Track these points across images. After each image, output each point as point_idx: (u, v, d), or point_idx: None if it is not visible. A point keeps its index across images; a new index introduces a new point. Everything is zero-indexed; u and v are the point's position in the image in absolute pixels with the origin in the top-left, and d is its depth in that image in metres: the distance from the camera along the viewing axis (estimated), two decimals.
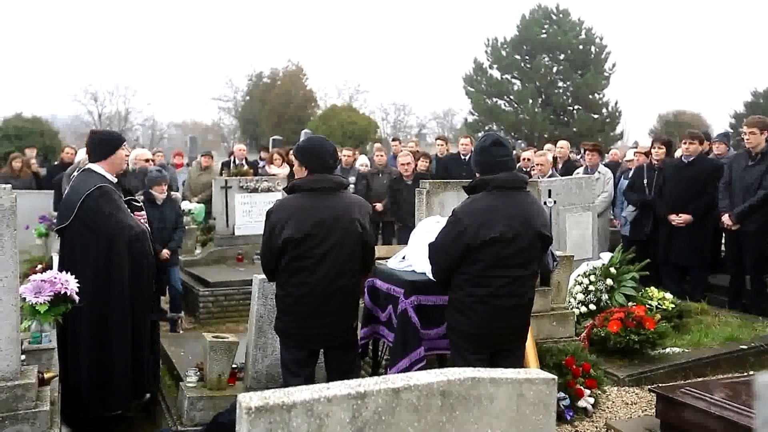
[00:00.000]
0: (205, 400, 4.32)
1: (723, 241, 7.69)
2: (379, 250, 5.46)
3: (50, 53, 69.35)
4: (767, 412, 0.83)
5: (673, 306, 6.31)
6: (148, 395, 4.87)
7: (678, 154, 8.31)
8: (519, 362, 3.79)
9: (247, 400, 1.84)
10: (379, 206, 9.74)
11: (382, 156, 10.88)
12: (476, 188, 3.66)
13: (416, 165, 9.61)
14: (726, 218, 6.96)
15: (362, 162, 11.36)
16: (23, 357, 3.64)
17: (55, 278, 3.83)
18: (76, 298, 3.89)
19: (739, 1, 69.60)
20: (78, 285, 3.94)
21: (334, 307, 3.79)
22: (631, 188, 8.30)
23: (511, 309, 3.61)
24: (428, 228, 4.23)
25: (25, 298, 3.72)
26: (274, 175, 10.57)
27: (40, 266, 6.96)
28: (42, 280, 3.81)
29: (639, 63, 74.33)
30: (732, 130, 18.89)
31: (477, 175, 3.73)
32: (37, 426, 3.38)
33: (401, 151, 11.14)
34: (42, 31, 69.04)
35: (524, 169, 9.09)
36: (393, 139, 16.56)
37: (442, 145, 11.62)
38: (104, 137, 4.87)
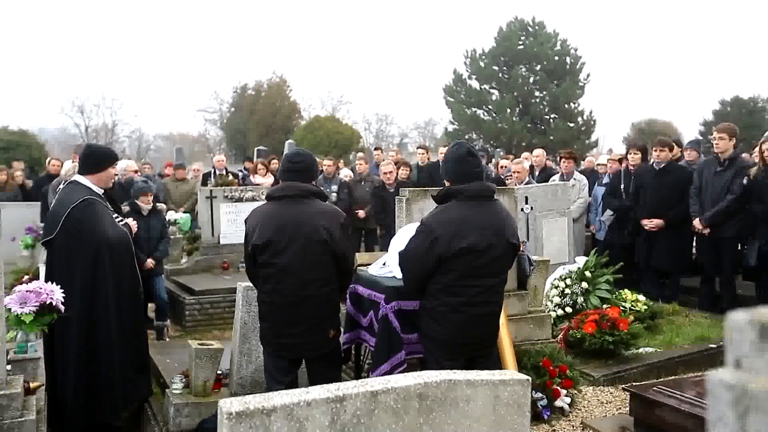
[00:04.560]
0: (190, 406, 4.29)
1: (694, 244, 7.77)
2: (362, 256, 5.48)
3: (37, 66, 68.62)
4: (720, 409, 0.84)
5: (646, 307, 6.38)
6: (135, 402, 4.82)
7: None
8: (494, 366, 3.80)
9: (228, 405, 1.83)
10: (361, 213, 9.76)
11: (363, 164, 10.92)
12: (446, 197, 3.62)
13: (398, 173, 9.65)
14: (697, 222, 7.04)
15: (346, 174, 11.47)
16: (9, 367, 3.59)
17: (41, 289, 3.79)
18: (62, 308, 3.85)
19: (708, 15, 70.68)
20: (64, 296, 3.90)
21: (306, 316, 3.70)
22: (611, 194, 8.37)
23: (485, 317, 3.61)
24: (409, 235, 4.24)
25: (10, 309, 3.68)
26: (258, 184, 10.55)
27: (26, 277, 6.88)
28: (27, 291, 3.78)
29: (612, 73, 75.03)
30: (702, 137, 19.14)
31: (446, 183, 3.69)
32: None
33: (383, 160, 11.17)
34: (29, 44, 68.38)
35: (501, 177, 9.16)
36: (375, 149, 16.58)
37: (423, 153, 11.70)
38: (98, 152, 4.78)
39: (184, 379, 4.50)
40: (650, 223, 7.45)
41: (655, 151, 7.67)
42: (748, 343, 0.81)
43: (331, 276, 3.80)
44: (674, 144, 8.47)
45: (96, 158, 4.61)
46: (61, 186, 4.87)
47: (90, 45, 69.94)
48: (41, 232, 8.16)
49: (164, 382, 4.97)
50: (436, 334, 3.57)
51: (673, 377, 5.14)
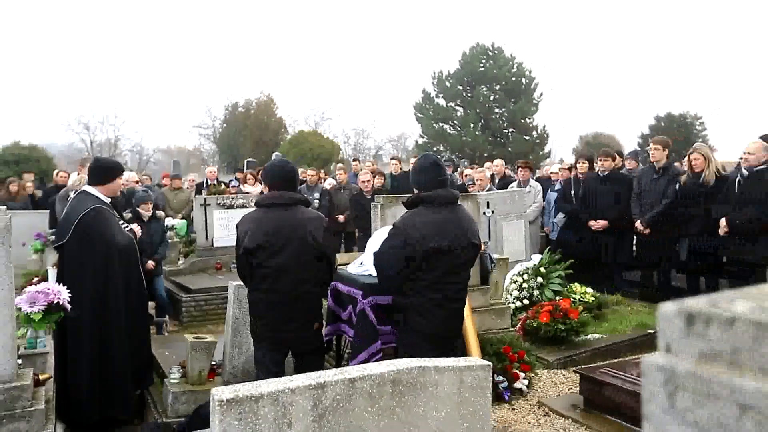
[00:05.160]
0: (187, 394, 4.23)
1: (634, 242, 7.88)
2: (341, 257, 5.44)
3: (46, 86, 67.37)
4: (653, 388, 0.86)
5: (593, 298, 6.45)
6: (138, 391, 4.74)
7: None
8: (461, 353, 3.81)
9: (219, 393, 1.81)
10: (341, 218, 9.72)
11: (342, 174, 10.91)
12: (415, 203, 3.62)
13: (374, 182, 9.64)
14: (638, 224, 7.15)
15: (330, 183, 11.43)
16: (20, 361, 3.51)
17: (49, 289, 3.71)
18: (68, 307, 3.77)
19: (643, 40, 71.92)
20: (71, 296, 3.82)
21: (300, 313, 3.68)
22: (564, 199, 8.45)
23: (461, 310, 3.63)
24: (382, 237, 4.23)
25: (20, 309, 3.60)
26: (248, 193, 10.46)
27: (36, 279, 6.72)
28: (36, 292, 3.70)
29: (563, 92, 75.99)
30: (640, 149, 19.44)
31: (415, 191, 3.69)
32: (33, 423, 3.27)
33: (361, 170, 11.16)
34: (38, 65, 67.03)
35: (465, 184, 9.20)
36: (353, 160, 16.58)
37: (396, 164, 11.74)
38: (106, 165, 4.71)
39: (181, 370, 4.44)
40: (596, 224, 7.55)
41: (600, 160, 7.79)
42: (677, 330, 0.82)
43: (323, 276, 3.78)
44: (616, 154, 8.61)
45: (104, 170, 4.54)
46: (71, 195, 4.77)
47: (94, 66, 68.76)
48: (49, 237, 8.03)
49: (163, 372, 4.89)
50: (423, 327, 3.48)
51: (617, 360, 5.21)
